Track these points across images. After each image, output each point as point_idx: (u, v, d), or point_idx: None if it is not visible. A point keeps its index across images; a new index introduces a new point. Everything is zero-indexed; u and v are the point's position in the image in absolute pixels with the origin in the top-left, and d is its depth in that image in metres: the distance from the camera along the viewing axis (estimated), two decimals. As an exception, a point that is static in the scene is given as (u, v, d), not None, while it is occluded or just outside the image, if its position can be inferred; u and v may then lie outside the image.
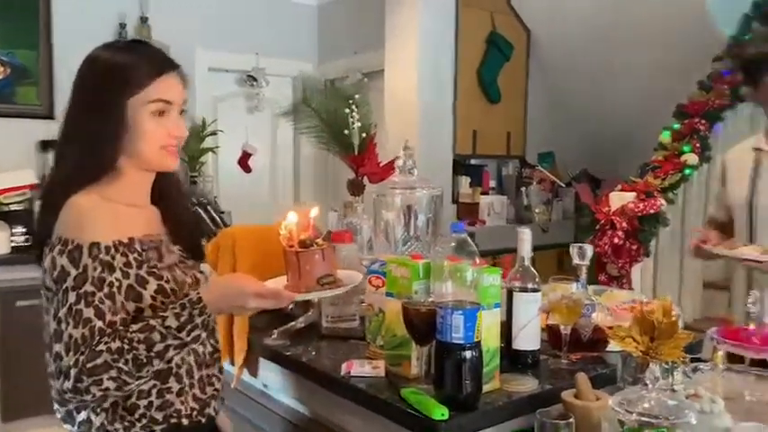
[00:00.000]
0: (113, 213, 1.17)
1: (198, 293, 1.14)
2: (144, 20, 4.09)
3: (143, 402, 1.16)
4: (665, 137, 3.42)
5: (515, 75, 4.53)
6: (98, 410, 1.15)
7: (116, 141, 1.18)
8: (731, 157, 2.06)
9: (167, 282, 1.19)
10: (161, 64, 1.22)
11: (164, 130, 1.21)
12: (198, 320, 1.13)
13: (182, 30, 4.07)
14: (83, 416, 1.16)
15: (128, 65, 1.19)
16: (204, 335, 1.22)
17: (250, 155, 4.73)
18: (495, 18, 4.38)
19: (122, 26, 4.02)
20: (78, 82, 1.21)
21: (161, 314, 1.12)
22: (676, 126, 3.41)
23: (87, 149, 1.18)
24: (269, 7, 4.77)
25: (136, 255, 1.17)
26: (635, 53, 3.94)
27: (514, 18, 4.50)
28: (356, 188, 2.03)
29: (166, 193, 1.31)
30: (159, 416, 1.18)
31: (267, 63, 4.76)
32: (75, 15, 3.86)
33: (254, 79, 4.74)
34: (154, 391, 1.17)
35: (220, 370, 1.33)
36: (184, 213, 1.36)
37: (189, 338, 1.13)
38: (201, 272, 1.34)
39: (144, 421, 1.16)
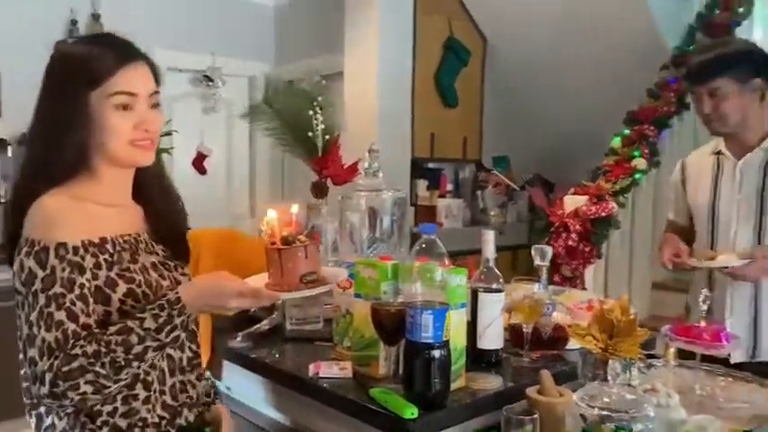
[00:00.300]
0: (84, 213, 1.13)
1: (176, 293, 1.11)
2: (96, 17, 3.99)
3: (107, 408, 1.12)
4: (616, 142, 3.54)
5: (472, 80, 4.61)
6: (62, 415, 1.12)
7: (78, 137, 1.13)
8: (691, 161, 2.08)
9: (138, 285, 1.15)
10: (123, 54, 1.16)
11: (129, 123, 1.15)
12: (177, 321, 1.09)
13: (135, 28, 3.94)
14: (48, 421, 1.13)
15: (88, 56, 1.14)
16: (184, 335, 1.19)
17: (205, 156, 4.66)
18: (453, 24, 4.45)
19: (74, 23, 3.92)
20: (44, 77, 1.17)
21: (139, 315, 1.08)
22: (626, 132, 3.54)
23: (51, 146, 1.14)
24: (225, 7, 4.72)
25: (107, 256, 1.13)
26: (587, 62, 4.07)
27: (471, 25, 4.58)
28: (320, 190, 2.04)
29: (147, 189, 1.27)
30: (123, 424, 1.13)
31: (223, 63, 4.71)
32: (24, 10, 3.74)
33: (210, 79, 4.68)
34: (119, 397, 1.13)
35: (198, 377, 1.28)
36: (165, 210, 1.30)
37: (168, 339, 1.09)
38: (185, 274, 1.29)
39: (106, 429, 1.12)
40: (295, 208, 1.29)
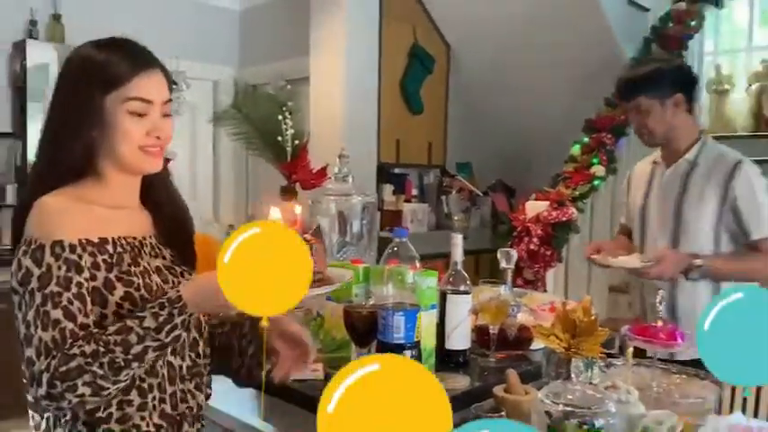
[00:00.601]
0: (85, 213, 1.12)
1: (177, 291, 1.07)
2: (57, 17, 3.92)
3: (102, 415, 1.10)
4: (576, 150, 3.64)
5: (436, 87, 4.68)
6: (61, 421, 1.10)
7: (88, 138, 1.12)
8: (636, 170, 2.21)
9: (137, 289, 1.12)
10: (140, 60, 1.15)
11: (142, 129, 1.14)
12: (178, 320, 1.06)
13: (97, 30, 3.88)
14: (45, 423, 1.12)
15: (105, 60, 1.13)
16: (185, 336, 1.17)
17: (169, 160, 4.56)
18: (417, 32, 4.51)
19: (33, 23, 3.84)
20: (58, 78, 1.16)
21: (138, 314, 1.05)
22: (585, 140, 3.65)
23: (59, 147, 1.13)
24: (190, 10, 4.68)
25: (106, 256, 1.11)
26: (548, 71, 4.17)
27: (435, 32, 4.65)
28: (289, 195, 2.05)
29: (155, 193, 1.26)
30: (117, 429, 1.11)
31: (187, 67, 4.66)
32: (-19, 9, 3.66)
33: (174, 83, 4.61)
34: (114, 402, 1.10)
35: (198, 387, 1.25)
36: (174, 214, 1.28)
37: (168, 339, 1.06)
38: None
39: None
40: (298, 208, 1.27)
